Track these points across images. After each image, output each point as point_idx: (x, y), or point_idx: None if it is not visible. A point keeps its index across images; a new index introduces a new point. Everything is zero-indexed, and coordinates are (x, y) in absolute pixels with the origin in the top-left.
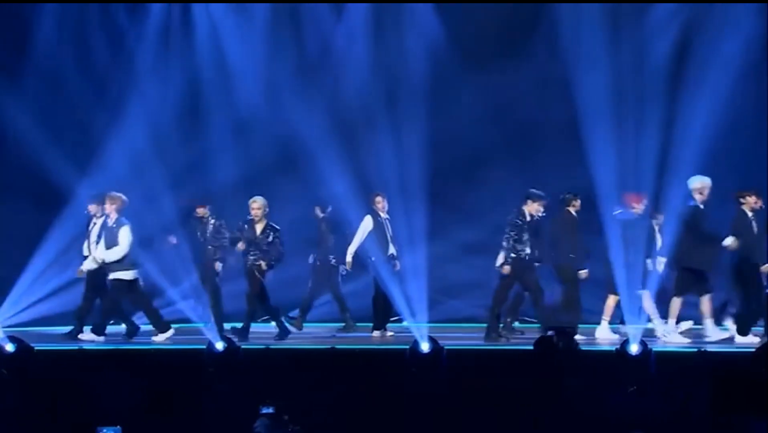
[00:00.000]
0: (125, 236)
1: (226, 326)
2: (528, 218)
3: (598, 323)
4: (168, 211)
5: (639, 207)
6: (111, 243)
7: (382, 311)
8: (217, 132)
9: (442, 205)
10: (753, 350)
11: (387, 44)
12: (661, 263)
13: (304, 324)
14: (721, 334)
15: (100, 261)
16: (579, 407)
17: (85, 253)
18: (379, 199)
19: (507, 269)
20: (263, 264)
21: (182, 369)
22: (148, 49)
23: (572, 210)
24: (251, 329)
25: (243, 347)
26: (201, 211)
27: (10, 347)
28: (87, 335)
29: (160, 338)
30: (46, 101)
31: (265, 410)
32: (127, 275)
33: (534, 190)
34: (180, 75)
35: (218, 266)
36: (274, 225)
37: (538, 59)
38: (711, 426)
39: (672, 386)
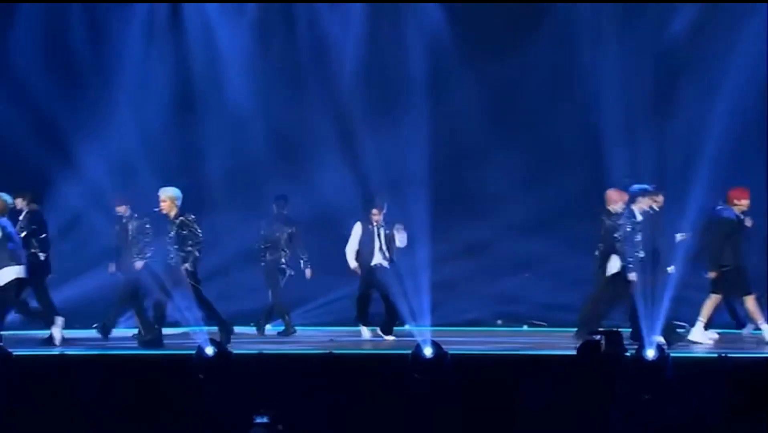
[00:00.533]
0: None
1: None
2: (640, 217)
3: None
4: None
5: (743, 203)
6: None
7: (363, 312)
8: (212, 130)
9: (444, 202)
10: None
11: (387, 38)
12: None
13: (296, 327)
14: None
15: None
16: (625, 420)
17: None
18: (375, 212)
19: (633, 276)
20: (187, 265)
21: (169, 376)
22: (134, 47)
23: (655, 206)
24: (238, 332)
25: (235, 352)
26: (121, 209)
27: None
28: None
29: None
30: (21, 100)
31: (258, 420)
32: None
33: (644, 186)
34: (170, 73)
35: (139, 265)
36: (187, 217)
37: (544, 52)
38: None
39: (689, 393)
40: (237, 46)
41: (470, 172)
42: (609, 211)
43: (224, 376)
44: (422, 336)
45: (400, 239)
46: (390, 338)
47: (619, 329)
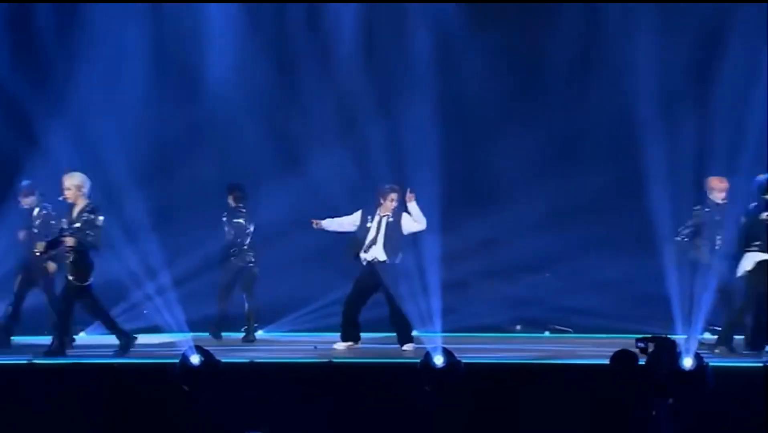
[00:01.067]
0: None
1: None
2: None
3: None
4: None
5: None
6: None
7: (347, 320)
8: (199, 122)
9: (455, 194)
10: None
11: (393, 19)
12: None
13: (293, 333)
14: None
15: None
16: None
17: None
18: (392, 197)
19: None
20: (72, 260)
21: (151, 387)
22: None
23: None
24: (227, 339)
25: (224, 360)
26: (26, 201)
27: None
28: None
29: None
30: None
31: None
32: None
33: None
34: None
35: (51, 267)
36: (93, 206)
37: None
38: None
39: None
40: (228, 29)
41: (484, 161)
42: (713, 201)
43: (212, 387)
44: (432, 343)
45: (415, 216)
46: (409, 347)
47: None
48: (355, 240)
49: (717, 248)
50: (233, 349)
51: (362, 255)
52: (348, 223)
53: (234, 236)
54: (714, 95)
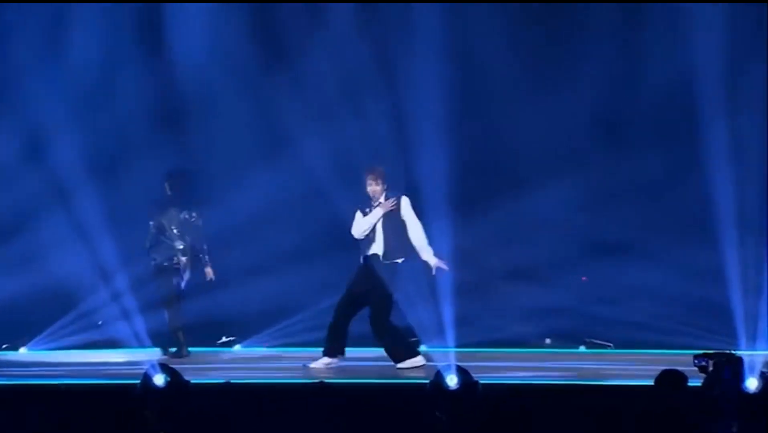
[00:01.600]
0: None
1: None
2: None
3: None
4: None
5: None
6: None
7: (333, 330)
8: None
9: (471, 181)
10: None
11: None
12: None
13: (277, 349)
14: None
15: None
16: None
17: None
18: (370, 180)
19: None
20: None
21: (106, 413)
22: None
23: None
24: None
25: (194, 381)
26: None
27: None
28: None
29: None
30: None
31: None
32: None
33: None
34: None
35: None
36: None
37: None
38: None
39: None
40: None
41: (505, 142)
42: None
43: (180, 413)
44: (444, 360)
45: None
46: (414, 362)
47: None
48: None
49: None
50: (205, 367)
51: (370, 251)
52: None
53: (163, 229)
54: None
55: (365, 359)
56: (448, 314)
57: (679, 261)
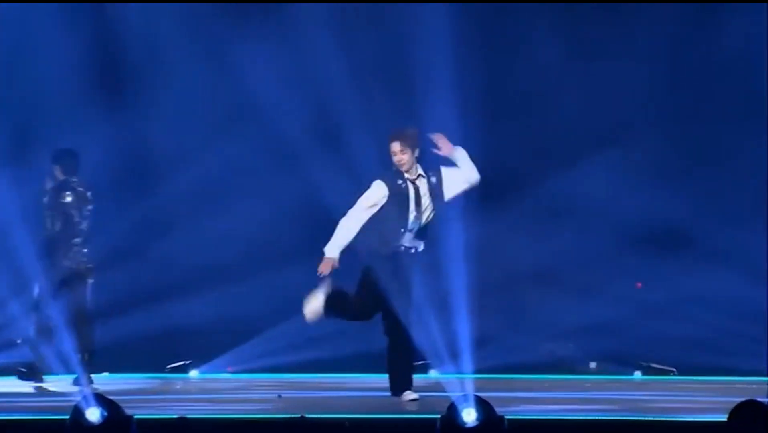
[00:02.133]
0: None
1: None
2: None
3: None
4: None
5: None
6: None
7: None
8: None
9: (491, 201)
10: None
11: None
12: None
13: (245, 375)
14: None
15: None
16: None
17: None
18: (394, 149)
19: None
20: None
21: None
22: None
23: None
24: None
25: (138, 416)
26: None
27: None
28: None
29: None
30: None
31: None
32: None
33: None
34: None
35: None
36: None
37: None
38: None
39: None
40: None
41: (537, 126)
42: None
43: None
44: (460, 389)
45: (463, 168)
46: (411, 396)
47: None
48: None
49: None
50: (153, 399)
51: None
52: (367, 209)
53: (63, 225)
54: None
55: (358, 387)
56: (464, 330)
57: (755, 261)
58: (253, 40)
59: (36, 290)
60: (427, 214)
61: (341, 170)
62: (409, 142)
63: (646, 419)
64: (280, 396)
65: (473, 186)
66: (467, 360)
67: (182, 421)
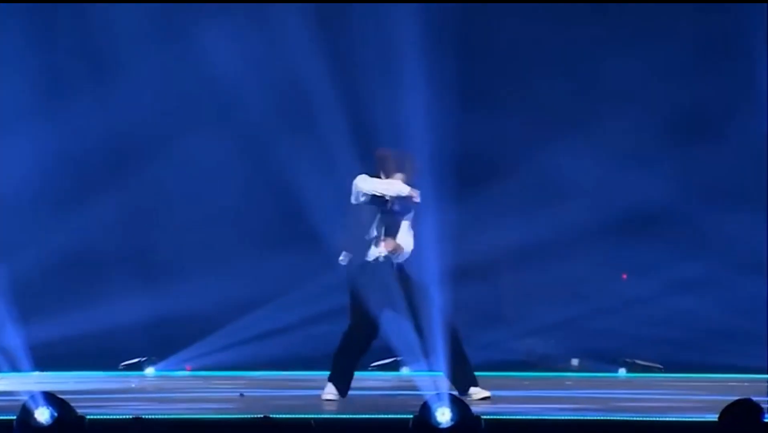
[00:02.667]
0: None
1: None
2: None
3: None
4: None
5: None
6: None
7: (343, 358)
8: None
9: (472, 195)
10: None
11: None
12: None
13: (204, 373)
14: None
15: None
16: None
17: None
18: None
19: None
20: None
21: None
22: None
23: None
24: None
25: (90, 417)
26: None
27: None
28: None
29: None
30: None
31: None
32: None
33: None
34: None
35: None
36: None
37: None
38: None
39: None
40: None
41: (512, 110)
42: None
43: None
44: (434, 388)
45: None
46: (480, 393)
47: None
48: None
49: None
50: (106, 397)
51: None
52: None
53: None
54: None
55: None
56: (437, 325)
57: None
58: (222, 25)
59: None
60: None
61: (310, 161)
62: (410, 174)
63: (632, 418)
64: (242, 395)
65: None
66: (440, 357)
67: (137, 421)
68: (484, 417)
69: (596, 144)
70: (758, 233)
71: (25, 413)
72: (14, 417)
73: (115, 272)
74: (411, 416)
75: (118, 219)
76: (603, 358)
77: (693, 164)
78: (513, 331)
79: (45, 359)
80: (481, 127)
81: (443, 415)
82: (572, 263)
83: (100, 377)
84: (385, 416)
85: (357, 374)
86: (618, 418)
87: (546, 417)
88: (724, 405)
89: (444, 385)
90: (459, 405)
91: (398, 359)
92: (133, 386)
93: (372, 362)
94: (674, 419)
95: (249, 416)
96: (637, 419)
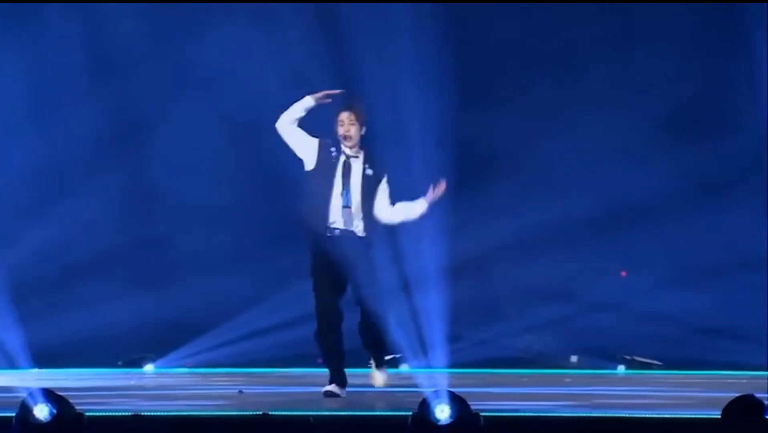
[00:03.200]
0: None
1: None
2: None
3: None
4: None
5: None
6: None
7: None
8: None
9: (468, 191)
10: None
11: None
12: None
13: (203, 370)
14: None
15: None
16: None
17: None
18: (342, 118)
19: None
20: None
21: None
22: None
23: None
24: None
25: (89, 414)
26: None
27: None
28: None
29: None
30: None
31: None
32: None
33: None
34: None
35: None
36: None
37: None
38: None
39: None
40: None
41: (514, 115)
42: None
43: None
44: (433, 384)
45: (409, 209)
46: (379, 378)
47: None
48: (311, 199)
49: None
50: (105, 394)
51: (331, 221)
52: (299, 145)
53: None
54: None
55: (325, 382)
56: (437, 324)
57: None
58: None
59: None
60: (357, 196)
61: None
62: (360, 117)
63: (631, 415)
64: (241, 392)
65: (389, 223)
66: (440, 353)
67: (137, 418)
68: (483, 414)
69: (589, 140)
70: (759, 229)
71: (24, 410)
72: (13, 414)
73: (113, 268)
74: (410, 413)
75: (115, 214)
76: (602, 355)
77: (691, 161)
78: (511, 328)
79: (43, 356)
80: (478, 124)
81: (442, 412)
82: (570, 259)
83: (99, 374)
84: (384, 413)
85: (356, 371)
86: (617, 415)
87: (545, 414)
88: (724, 402)
89: (442, 381)
90: (458, 402)
91: (397, 356)
92: (132, 383)
93: (371, 359)
94: (674, 415)
95: (248, 413)
96: (637, 415)
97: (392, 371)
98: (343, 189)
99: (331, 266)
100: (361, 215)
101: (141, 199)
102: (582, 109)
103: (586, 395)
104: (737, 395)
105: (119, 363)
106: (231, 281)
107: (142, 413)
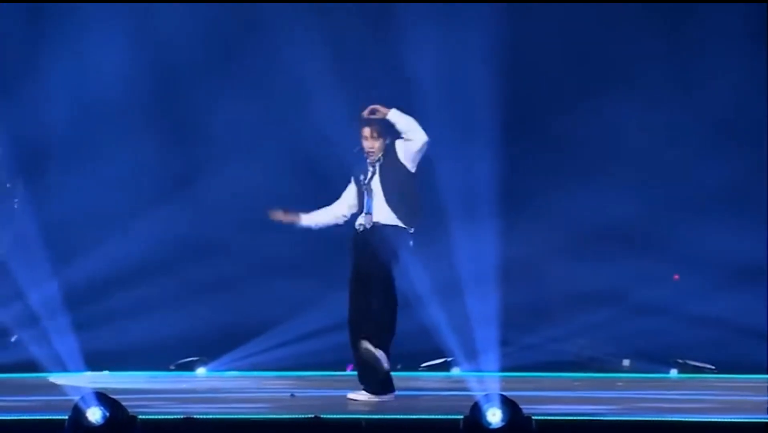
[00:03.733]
0: None
1: None
2: None
3: None
4: None
5: None
6: None
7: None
8: None
9: (524, 194)
10: None
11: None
12: None
13: (254, 373)
14: None
15: None
16: None
17: None
18: (365, 133)
19: None
20: None
21: None
22: None
23: None
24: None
25: (142, 417)
26: None
27: None
28: None
29: None
30: None
31: None
32: None
33: None
34: None
35: None
36: None
37: None
38: None
39: None
40: None
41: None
42: None
43: None
44: (484, 388)
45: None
46: (362, 398)
47: None
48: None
49: None
50: (158, 397)
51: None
52: (341, 207)
53: None
54: None
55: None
56: (489, 328)
57: None
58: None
59: None
60: (380, 199)
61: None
62: (380, 130)
63: (683, 419)
64: (293, 395)
65: (424, 143)
66: (491, 357)
67: (189, 421)
68: (535, 417)
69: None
70: None
71: (77, 412)
72: (66, 417)
73: (167, 272)
74: (461, 417)
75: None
76: (654, 359)
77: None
78: (562, 331)
79: (97, 360)
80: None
81: (494, 415)
82: (622, 262)
83: (152, 377)
84: (436, 417)
85: (407, 375)
86: (669, 419)
87: (596, 417)
88: None
89: (494, 385)
90: (510, 406)
91: (449, 359)
92: (184, 386)
93: (423, 363)
94: (726, 419)
95: (299, 416)
96: (689, 419)
97: (443, 374)
98: (367, 196)
99: (356, 271)
100: (388, 211)
101: (196, 205)
102: (634, 111)
103: (638, 399)
104: None
105: (172, 367)
106: (282, 285)
107: (194, 416)
